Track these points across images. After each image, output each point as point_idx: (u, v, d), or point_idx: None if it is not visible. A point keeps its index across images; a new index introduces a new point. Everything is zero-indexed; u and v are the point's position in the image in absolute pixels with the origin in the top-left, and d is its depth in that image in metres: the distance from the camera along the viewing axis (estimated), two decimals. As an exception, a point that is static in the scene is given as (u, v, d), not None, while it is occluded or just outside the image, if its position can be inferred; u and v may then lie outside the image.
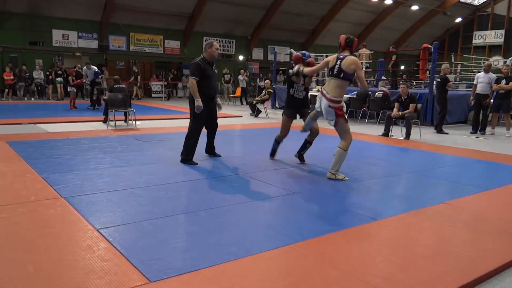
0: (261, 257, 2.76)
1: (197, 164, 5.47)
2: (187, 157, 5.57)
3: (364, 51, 14.44)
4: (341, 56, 4.84)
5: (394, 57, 13.37)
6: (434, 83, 10.76)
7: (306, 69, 5.31)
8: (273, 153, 5.99)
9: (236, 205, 3.88)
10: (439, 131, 9.87)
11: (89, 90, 14.82)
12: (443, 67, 10.07)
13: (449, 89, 10.02)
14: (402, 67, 21.48)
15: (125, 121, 9.70)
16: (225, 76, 20.77)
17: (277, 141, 5.94)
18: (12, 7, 18.25)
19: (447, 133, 9.71)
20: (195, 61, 5.47)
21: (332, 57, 4.97)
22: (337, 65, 4.80)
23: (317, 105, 5.09)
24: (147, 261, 2.63)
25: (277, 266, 2.67)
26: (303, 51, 5.76)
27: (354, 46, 4.97)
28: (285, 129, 5.82)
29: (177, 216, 3.56)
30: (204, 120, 5.60)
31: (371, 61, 14.71)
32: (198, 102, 5.33)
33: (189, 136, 5.59)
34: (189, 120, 5.67)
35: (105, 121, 9.62)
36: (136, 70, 20.31)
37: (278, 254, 2.84)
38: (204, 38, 23.75)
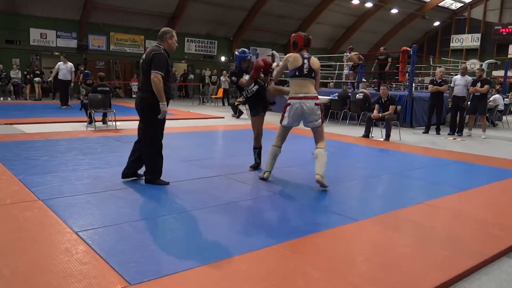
0: (241, 258, 2.75)
1: (168, 183, 4.53)
2: (155, 175, 4.52)
3: (354, 54, 14.53)
4: (306, 56, 4.61)
5: (390, 59, 13.43)
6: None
7: (273, 77, 5.09)
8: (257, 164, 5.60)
9: (215, 207, 3.86)
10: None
11: (60, 88, 13.92)
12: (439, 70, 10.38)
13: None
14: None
15: (103, 122, 9.55)
16: (212, 77, 20.72)
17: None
18: (-13, 5, 17.80)
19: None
20: (158, 51, 4.28)
21: (293, 57, 4.59)
22: (306, 65, 4.55)
23: (290, 120, 4.66)
24: (127, 263, 2.59)
25: (258, 268, 2.67)
26: (243, 49, 5.59)
27: (310, 45, 4.81)
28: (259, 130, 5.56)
29: (157, 218, 3.52)
30: (163, 127, 4.51)
31: (362, 63, 14.79)
32: (164, 106, 4.27)
33: (150, 149, 4.44)
34: (143, 130, 4.47)
35: (90, 122, 9.22)
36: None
37: (259, 255, 2.83)
38: (186, 38, 23.66)
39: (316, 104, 4.58)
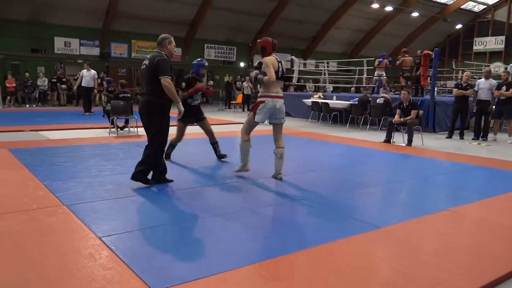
0: (263, 265, 2.75)
1: (172, 181, 4.82)
2: (162, 175, 4.80)
3: (407, 57, 14.18)
4: (279, 59, 5.04)
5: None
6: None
7: (266, 78, 5.11)
8: (167, 156, 6.03)
9: (237, 213, 3.86)
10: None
11: (83, 95, 14.15)
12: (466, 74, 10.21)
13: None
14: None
15: (125, 128, 9.70)
16: (237, 83, 20.88)
17: (172, 145, 6.13)
18: (14, 15, 18.34)
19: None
20: (162, 57, 4.45)
21: (272, 60, 4.94)
22: (281, 68, 5.02)
23: (263, 116, 4.99)
24: (149, 269, 2.62)
25: (279, 274, 2.65)
26: (201, 58, 6.65)
27: (276, 49, 5.12)
28: (180, 134, 6.13)
29: (179, 224, 3.54)
30: (169, 128, 4.72)
31: (413, 66, 14.43)
32: (181, 106, 4.62)
33: (157, 149, 4.67)
34: (152, 133, 4.60)
35: (113, 128, 9.37)
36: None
37: (280, 262, 2.82)
38: (205, 45, 23.89)
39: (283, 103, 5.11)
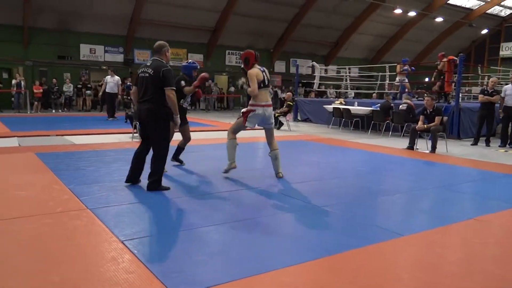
0: (283, 272, 2.73)
1: (169, 188, 4.76)
2: (159, 181, 4.76)
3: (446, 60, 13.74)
4: (262, 69, 5.37)
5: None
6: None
7: (249, 90, 5.29)
8: (180, 161, 6.32)
9: (259, 218, 3.86)
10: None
11: (107, 100, 14.46)
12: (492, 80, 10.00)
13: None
14: (426, 80, 21.19)
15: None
16: None
17: (182, 148, 6.29)
18: (42, 23, 18.95)
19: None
20: (166, 67, 4.58)
21: (256, 71, 5.24)
22: (267, 77, 5.38)
23: (253, 122, 5.31)
24: (171, 273, 2.63)
25: (300, 282, 2.63)
26: (193, 60, 6.52)
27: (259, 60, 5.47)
28: (189, 136, 6.25)
29: (200, 228, 3.56)
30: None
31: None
32: (178, 118, 4.73)
33: (164, 157, 4.78)
34: (156, 143, 4.71)
35: (135, 133, 9.45)
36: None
37: (301, 269, 2.79)
38: (227, 51, 24.08)
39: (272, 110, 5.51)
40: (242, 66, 5.45)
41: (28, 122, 12.69)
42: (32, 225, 3.48)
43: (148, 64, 4.66)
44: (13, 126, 11.11)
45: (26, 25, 18.37)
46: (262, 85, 5.29)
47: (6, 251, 2.94)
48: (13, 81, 17.17)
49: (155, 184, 4.68)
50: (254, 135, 5.28)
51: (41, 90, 17.56)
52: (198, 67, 6.30)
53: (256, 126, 5.59)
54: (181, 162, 6.35)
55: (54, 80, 18.27)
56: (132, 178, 4.88)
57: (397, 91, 14.01)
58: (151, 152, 4.78)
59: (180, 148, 6.36)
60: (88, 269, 2.70)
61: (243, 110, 5.42)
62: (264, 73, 5.36)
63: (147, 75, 4.58)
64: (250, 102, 5.35)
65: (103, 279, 2.55)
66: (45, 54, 19.44)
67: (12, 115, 15.41)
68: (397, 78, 14.67)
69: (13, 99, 17.25)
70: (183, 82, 5.81)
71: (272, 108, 5.49)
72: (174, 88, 4.59)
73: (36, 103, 17.39)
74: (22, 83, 16.98)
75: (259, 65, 5.44)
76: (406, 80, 14.46)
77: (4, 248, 2.99)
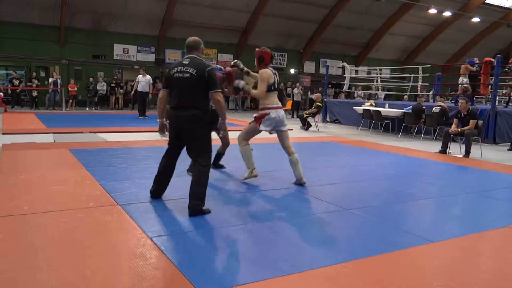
0: (310, 274, 2.71)
1: (210, 212, 3.94)
2: (202, 202, 3.92)
3: None
4: (273, 71, 5.15)
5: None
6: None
7: (255, 92, 5.15)
8: (220, 166, 6.06)
9: (285, 220, 3.85)
10: None
11: (138, 99, 14.64)
12: None
13: None
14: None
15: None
16: (287, 89, 21.05)
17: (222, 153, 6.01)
18: (77, 23, 19.56)
19: None
20: (210, 66, 3.94)
21: (268, 73, 5.04)
22: (277, 80, 5.17)
23: (269, 126, 5.08)
24: (197, 272, 2.66)
25: (326, 285, 2.60)
26: (218, 67, 5.86)
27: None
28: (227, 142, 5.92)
29: (227, 228, 3.58)
30: None
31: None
32: (226, 123, 4.23)
33: (207, 178, 3.99)
34: (201, 156, 3.98)
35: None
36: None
37: (328, 272, 2.77)
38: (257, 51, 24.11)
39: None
40: (244, 68, 5.32)
41: (63, 119, 13.11)
42: (66, 218, 3.59)
43: (186, 62, 3.91)
44: (48, 123, 11.51)
45: (63, 25, 19.01)
46: (272, 88, 5.09)
47: (40, 244, 3.04)
48: (50, 79, 17.84)
49: (198, 209, 3.87)
50: (273, 135, 5.16)
51: (75, 89, 18.14)
52: (224, 71, 5.94)
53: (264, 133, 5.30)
54: (222, 166, 6.13)
55: (91, 79, 18.86)
56: (160, 193, 4.33)
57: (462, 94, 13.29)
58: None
59: (219, 154, 6.11)
60: (118, 264, 2.76)
61: (256, 114, 5.22)
62: (275, 75, 5.15)
63: (188, 75, 3.85)
64: (261, 105, 5.14)
65: (131, 274, 2.60)
66: (80, 53, 20.05)
67: (48, 112, 15.98)
68: (462, 79, 13.77)
69: (48, 95, 17.93)
70: (224, 84, 5.54)
71: (283, 111, 5.31)
72: (221, 91, 3.98)
73: (70, 101, 17.97)
74: (59, 81, 17.60)
75: (271, 67, 5.16)
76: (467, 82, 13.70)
77: (38, 241, 3.09)
